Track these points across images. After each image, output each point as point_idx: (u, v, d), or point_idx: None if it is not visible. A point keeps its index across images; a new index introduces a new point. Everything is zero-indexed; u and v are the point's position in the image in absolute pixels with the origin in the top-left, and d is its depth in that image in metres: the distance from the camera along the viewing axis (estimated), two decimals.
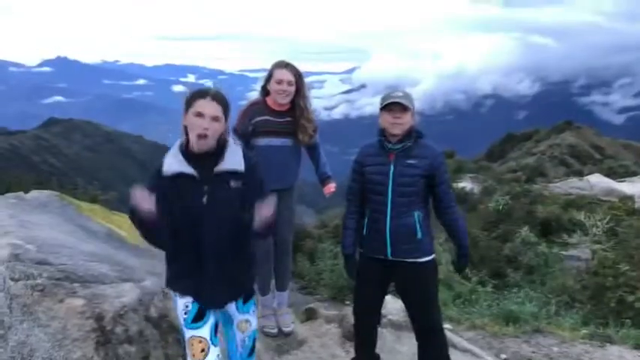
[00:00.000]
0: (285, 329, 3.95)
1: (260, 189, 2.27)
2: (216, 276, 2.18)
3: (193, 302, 2.22)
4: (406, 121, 2.86)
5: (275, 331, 3.98)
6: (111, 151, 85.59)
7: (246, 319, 2.38)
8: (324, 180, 3.89)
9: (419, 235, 2.90)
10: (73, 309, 2.46)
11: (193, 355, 2.18)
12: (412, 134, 2.90)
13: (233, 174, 2.18)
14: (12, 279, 2.53)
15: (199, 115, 2.10)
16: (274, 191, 3.66)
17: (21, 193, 4.35)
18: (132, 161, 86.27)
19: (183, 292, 2.23)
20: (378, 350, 3.74)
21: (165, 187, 2.15)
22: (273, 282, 4.09)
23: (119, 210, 5.98)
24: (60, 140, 78.94)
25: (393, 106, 2.85)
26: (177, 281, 2.25)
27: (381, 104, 2.90)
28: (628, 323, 5.22)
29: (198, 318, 2.22)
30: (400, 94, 2.88)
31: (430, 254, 2.98)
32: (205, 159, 2.16)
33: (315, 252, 8.09)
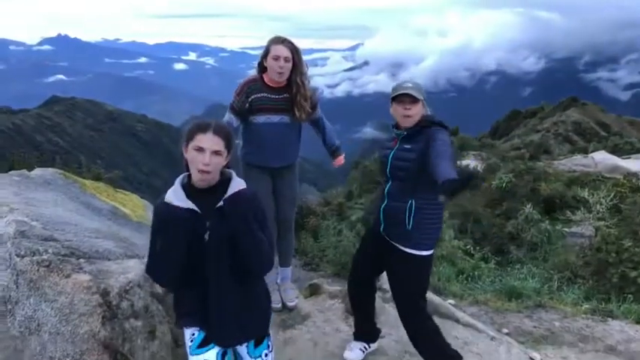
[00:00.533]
0: (289, 304, 4.00)
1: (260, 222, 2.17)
2: (222, 315, 2.14)
3: (200, 331, 2.19)
4: (416, 112, 2.86)
5: (279, 306, 4.03)
6: (114, 130, 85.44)
7: None
8: (333, 152, 3.85)
9: (407, 225, 2.86)
10: (79, 284, 2.48)
11: None
12: (420, 123, 2.88)
13: None
14: (18, 255, 2.55)
15: (200, 149, 2.03)
16: (274, 169, 3.68)
17: (25, 171, 4.36)
18: (135, 140, 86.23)
19: (191, 326, 2.21)
20: (381, 325, 3.79)
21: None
22: (276, 258, 4.12)
23: (123, 188, 6.01)
24: (63, 119, 78.76)
25: (403, 97, 2.85)
26: (184, 319, 2.23)
27: (391, 95, 2.90)
28: (630, 298, 5.26)
29: (204, 344, 2.18)
30: (410, 84, 2.87)
31: (421, 249, 2.91)
32: (208, 193, 2.09)
33: (318, 229, 8.12)
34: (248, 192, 2.11)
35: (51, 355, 2.36)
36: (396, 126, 2.98)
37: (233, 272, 2.12)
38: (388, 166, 2.94)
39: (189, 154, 2.06)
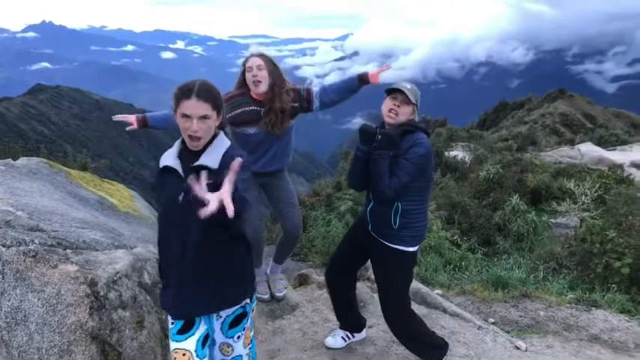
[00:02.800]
0: (278, 294, 4.01)
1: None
2: (189, 281, 2.05)
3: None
4: (403, 112, 2.87)
5: (267, 297, 4.04)
6: (100, 119, 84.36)
7: (228, 343, 2.23)
8: (362, 81, 3.49)
9: (395, 225, 2.91)
10: (66, 274, 2.45)
11: None
12: (404, 126, 2.88)
13: (208, 171, 1.94)
14: (3, 245, 2.51)
15: (186, 116, 1.96)
16: (265, 174, 3.57)
17: (10, 160, 4.29)
18: (122, 130, 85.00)
19: (162, 306, 2.17)
20: (369, 314, 3.83)
21: (159, 179, 2.09)
22: (265, 249, 4.13)
23: (109, 178, 5.95)
24: (48, 108, 77.63)
25: (396, 93, 2.87)
26: (161, 297, 2.18)
27: (387, 89, 2.93)
28: (614, 288, 5.34)
29: (185, 329, 2.10)
30: (408, 86, 2.89)
31: (407, 246, 2.96)
32: (197, 153, 2.04)
33: (307, 220, 8.13)
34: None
35: (38, 346, 2.35)
36: (382, 126, 2.99)
37: (209, 237, 2.01)
38: None
39: (178, 120, 2.01)
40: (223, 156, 2.04)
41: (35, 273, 2.44)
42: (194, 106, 1.96)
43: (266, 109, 3.35)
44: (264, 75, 3.30)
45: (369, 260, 3.25)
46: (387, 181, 2.78)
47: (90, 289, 2.49)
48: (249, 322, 2.28)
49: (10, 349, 2.39)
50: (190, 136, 1.99)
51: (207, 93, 1.99)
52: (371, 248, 3.09)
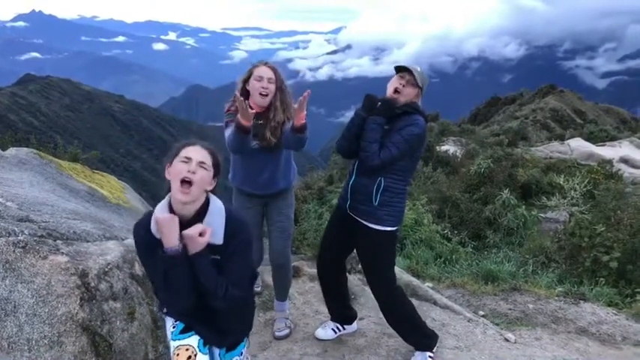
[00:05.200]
0: (277, 334, 3.66)
1: (239, 263, 2.07)
2: (204, 324, 2.13)
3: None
4: (407, 93, 2.90)
5: (259, 289, 4.04)
6: (91, 110, 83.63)
7: None
8: (295, 128, 3.15)
9: (374, 201, 2.94)
10: (56, 265, 2.44)
11: None
12: (403, 107, 2.91)
13: (210, 246, 1.97)
14: None
15: (186, 159, 1.93)
16: (264, 197, 3.44)
17: None
18: (113, 121, 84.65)
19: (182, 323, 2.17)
20: (360, 306, 3.85)
21: (152, 244, 2.02)
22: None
23: (100, 169, 5.91)
24: (38, 98, 76.75)
25: (405, 72, 2.90)
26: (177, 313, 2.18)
27: (397, 65, 2.96)
28: (602, 282, 5.41)
29: (187, 329, 2.15)
30: (419, 69, 2.94)
31: (386, 225, 2.99)
32: (186, 224, 1.96)
33: (299, 213, 8.14)
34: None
35: (28, 337, 2.34)
36: None
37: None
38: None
39: (174, 168, 1.94)
40: (226, 227, 2.02)
41: (25, 264, 2.42)
42: (196, 150, 1.97)
43: (264, 122, 3.20)
44: (272, 89, 3.17)
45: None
46: (376, 148, 2.83)
47: (80, 280, 2.48)
48: (245, 347, 2.33)
49: None
50: (183, 180, 1.91)
51: (210, 148, 2.02)
52: (351, 231, 3.11)
